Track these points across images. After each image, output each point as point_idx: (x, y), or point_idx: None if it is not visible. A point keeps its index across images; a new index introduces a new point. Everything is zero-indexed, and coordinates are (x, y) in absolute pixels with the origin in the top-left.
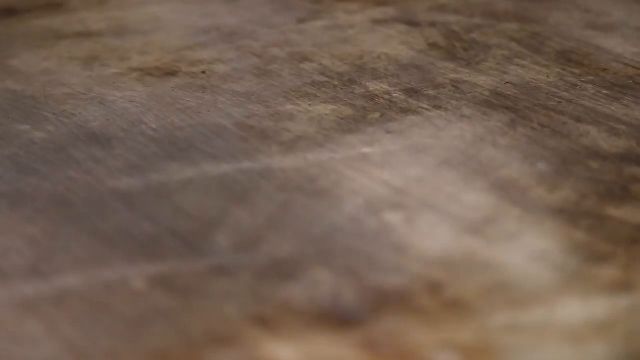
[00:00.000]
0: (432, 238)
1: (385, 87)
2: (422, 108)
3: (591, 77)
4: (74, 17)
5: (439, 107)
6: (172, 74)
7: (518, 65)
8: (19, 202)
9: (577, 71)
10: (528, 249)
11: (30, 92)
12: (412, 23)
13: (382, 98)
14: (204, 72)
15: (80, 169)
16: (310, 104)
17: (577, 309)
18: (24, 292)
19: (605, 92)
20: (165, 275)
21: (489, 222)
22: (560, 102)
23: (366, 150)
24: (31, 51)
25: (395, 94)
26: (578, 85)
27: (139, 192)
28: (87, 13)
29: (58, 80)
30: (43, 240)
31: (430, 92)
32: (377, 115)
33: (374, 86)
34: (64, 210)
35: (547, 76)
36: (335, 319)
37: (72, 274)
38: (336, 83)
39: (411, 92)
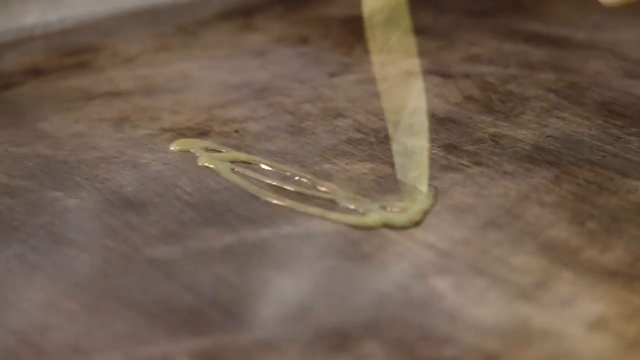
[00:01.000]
0: (483, 305)
1: (423, 142)
2: (462, 165)
3: (635, 129)
4: (102, 76)
5: (479, 164)
6: (205, 133)
7: (558, 117)
8: (57, 275)
9: (619, 123)
10: (584, 316)
11: (61, 156)
12: (446, 75)
13: (420, 155)
14: (236, 132)
15: (116, 237)
16: (347, 163)
17: None
18: None
19: None
20: (209, 350)
21: (541, 286)
22: (604, 156)
23: (407, 209)
24: (60, 113)
25: (433, 150)
26: (622, 138)
27: (178, 261)
28: (115, 71)
29: (89, 144)
30: (82, 315)
31: (470, 147)
32: (416, 173)
33: (411, 142)
34: (102, 283)
35: (589, 128)
36: None
37: (114, 351)
38: (372, 140)
39: (450, 147)
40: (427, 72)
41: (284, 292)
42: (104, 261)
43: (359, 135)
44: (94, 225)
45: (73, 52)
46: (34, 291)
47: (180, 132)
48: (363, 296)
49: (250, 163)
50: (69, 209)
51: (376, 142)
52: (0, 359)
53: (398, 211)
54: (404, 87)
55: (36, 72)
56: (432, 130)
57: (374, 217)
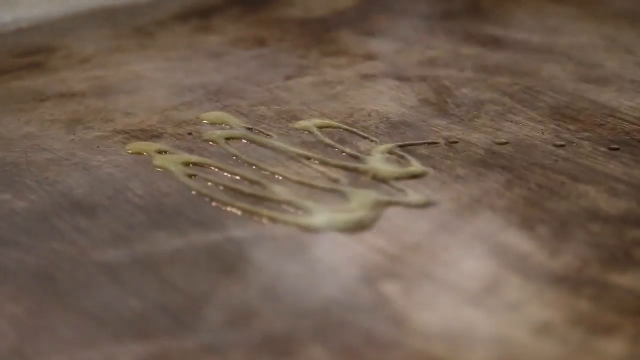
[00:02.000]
0: (430, 310)
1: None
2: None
3: (587, 134)
4: (56, 76)
5: (432, 167)
6: (158, 135)
7: (512, 121)
8: (1, 278)
9: (572, 127)
10: (530, 321)
11: (11, 158)
12: (402, 78)
13: (374, 157)
14: (190, 134)
15: (64, 240)
16: (299, 166)
17: None
18: None
19: (602, 149)
20: (154, 355)
21: (489, 291)
22: (556, 160)
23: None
24: (12, 114)
25: (387, 154)
26: (574, 142)
27: (125, 265)
28: (69, 72)
29: (40, 145)
30: (26, 320)
31: (423, 151)
32: (368, 176)
33: (364, 146)
34: (48, 286)
35: (542, 132)
36: None
37: (57, 356)
38: (325, 142)
39: (403, 150)
40: (383, 75)
41: (231, 296)
42: (50, 264)
43: (313, 139)
44: (42, 228)
45: (26, 52)
46: None
47: (133, 134)
48: (310, 301)
49: (202, 165)
50: (17, 212)
51: (329, 145)
52: None
53: (346, 213)
54: (359, 90)
55: None
56: (386, 133)
57: (321, 218)
